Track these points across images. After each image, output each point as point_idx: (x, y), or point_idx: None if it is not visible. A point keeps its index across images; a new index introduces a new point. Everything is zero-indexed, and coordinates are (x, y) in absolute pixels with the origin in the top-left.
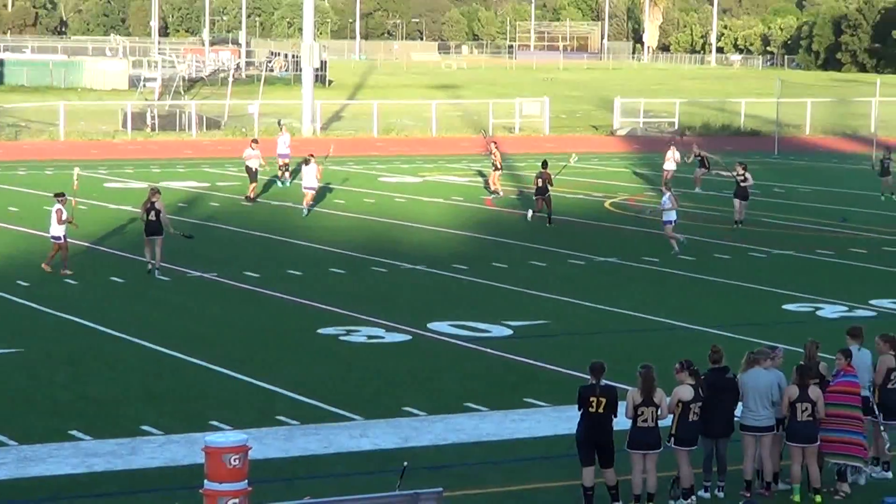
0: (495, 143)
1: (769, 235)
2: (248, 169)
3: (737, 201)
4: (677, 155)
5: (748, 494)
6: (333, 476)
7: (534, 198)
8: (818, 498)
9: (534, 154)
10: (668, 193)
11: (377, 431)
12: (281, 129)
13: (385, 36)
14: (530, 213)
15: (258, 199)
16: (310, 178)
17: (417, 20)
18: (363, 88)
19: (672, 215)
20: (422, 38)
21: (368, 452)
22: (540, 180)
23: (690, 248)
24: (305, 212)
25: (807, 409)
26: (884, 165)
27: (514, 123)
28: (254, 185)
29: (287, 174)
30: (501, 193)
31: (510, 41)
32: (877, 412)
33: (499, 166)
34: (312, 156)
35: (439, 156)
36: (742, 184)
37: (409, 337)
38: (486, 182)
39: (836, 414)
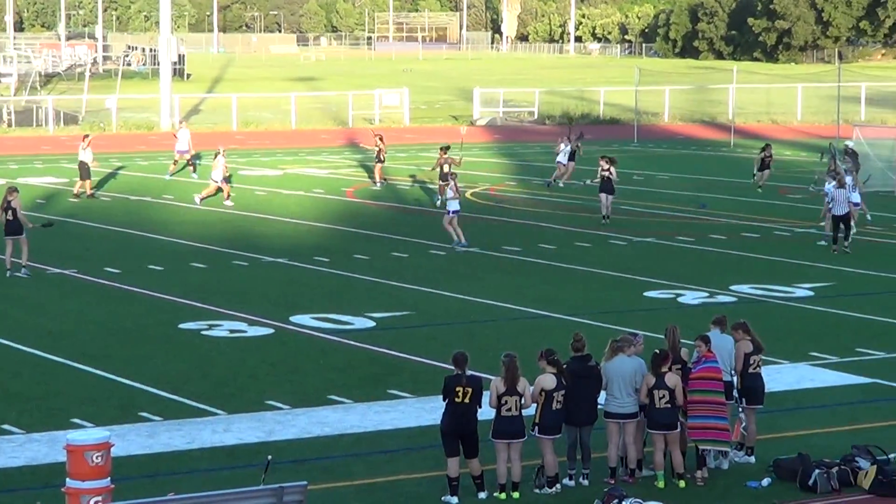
0: (380, 136)
1: (630, 223)
2: (82, 164)
3: (603, 195)
4: (568, 147)
5: (612, 481)
6: (197, 471)
7: (438, 183)
8: (682, 483)
9: (394, 145)
10: (452, 182)
11: (241, 426)
12: (180, 125)
13: (243, 29)
14: (439, 202)
15: (95, 195)
16: (217, 171)
17: (276, 13)
18: (222, 82)
19: (455, 205)
20: (280, 31)
21: (232, 447)
22: (446, 165)
23: (552, 237)
24: (197, 201)
25: (664, 396)
26: (763, 160)
27: (374, 115)
28: (84, 181)
29: (191, 167)
30: (379, 186)
31: (369, 33)
32: (738, 397)
33: (383, 158)
34: (222, 148)
35: (299, 148)
36: (609, 178)
37: (271, 330)
38: (372, 173)
39: (700, 400)
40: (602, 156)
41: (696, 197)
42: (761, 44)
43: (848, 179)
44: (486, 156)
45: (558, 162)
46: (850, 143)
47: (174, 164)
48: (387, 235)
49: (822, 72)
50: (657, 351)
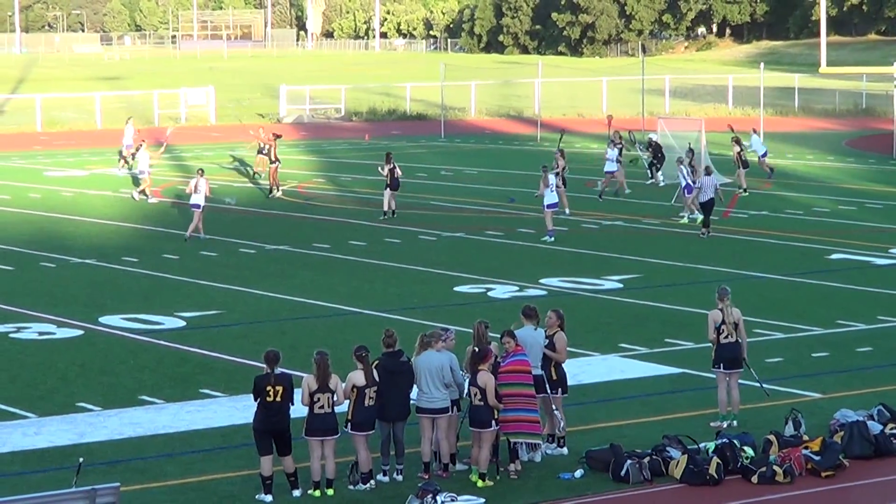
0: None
1: (439, 218)
2: None
3: (387, 191)
4: (615, 153)
5: (426, 476)
6: (8, 475)
7: (258, 163)
8: (476, 479)
9: (201, 144)
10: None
11: (52, 428)
12: (127, 121)
13: (46, 28)
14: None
15: None
16: (143, 162)
17: (78, 12)
18: (25, 82)
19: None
20: (83, 30)
21: (43, 450)
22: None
23: (362, 233)
24: (137, 196)
25: (476, 394)
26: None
27: (180, 113)
28: None
29: (123, 161)
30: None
31: (173, 31)
32: (549, 389)
33: (267, 152)
34: (144, 141)
35: (105, 148)
36: (388, 174)
37: (80, 332)
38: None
39: (510, 393)
40: (387, 152)
41: (504, 191)
42: (566, 38)
43: (684, 169)
44: (293, 153)
45: (606, 171)
46: (654, 136)
47: (123, 161)
48: (195, 235)
49: (626, 65)
50: (476, 349)
